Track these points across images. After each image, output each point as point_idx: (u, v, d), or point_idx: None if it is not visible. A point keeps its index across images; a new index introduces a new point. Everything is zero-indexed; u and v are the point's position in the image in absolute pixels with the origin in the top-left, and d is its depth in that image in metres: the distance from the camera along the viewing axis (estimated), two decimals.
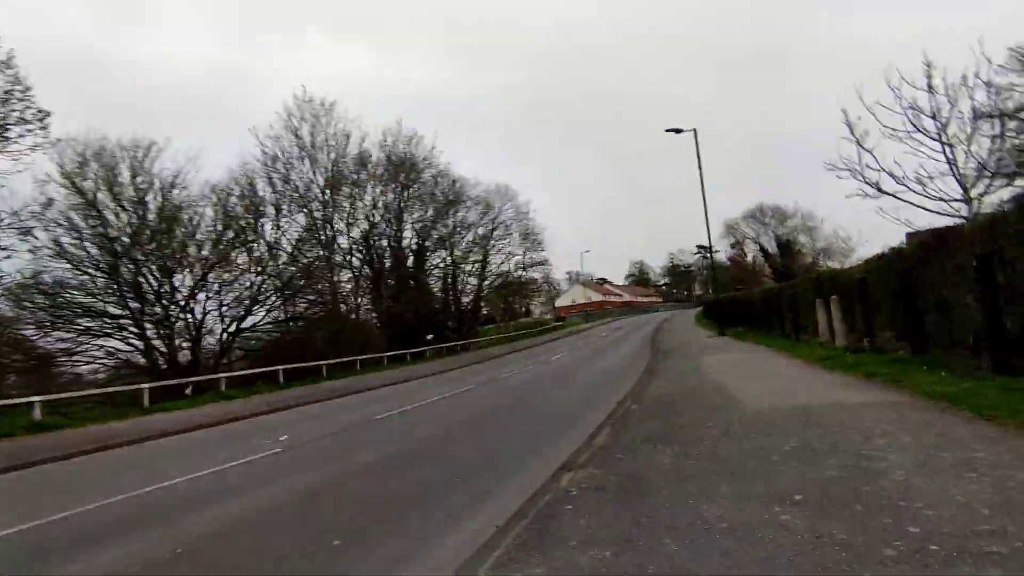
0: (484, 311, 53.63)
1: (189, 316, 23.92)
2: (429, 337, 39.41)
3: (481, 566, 3.07)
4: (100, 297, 22.75)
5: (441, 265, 46.14)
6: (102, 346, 23.23)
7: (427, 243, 43.88)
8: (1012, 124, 33.15)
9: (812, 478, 3.80)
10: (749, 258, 74.33)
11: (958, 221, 12.72)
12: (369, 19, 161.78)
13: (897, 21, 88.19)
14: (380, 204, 37.98)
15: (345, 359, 25.47)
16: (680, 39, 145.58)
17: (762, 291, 27.41)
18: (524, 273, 53.54)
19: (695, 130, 26.66)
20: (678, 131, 27.32)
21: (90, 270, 22.29)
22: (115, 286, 22.57)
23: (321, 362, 23.50)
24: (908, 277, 9.34)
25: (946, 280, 8.27)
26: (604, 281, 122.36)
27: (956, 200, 13.25)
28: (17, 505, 6.45)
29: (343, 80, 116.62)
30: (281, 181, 30.89)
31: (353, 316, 33.20)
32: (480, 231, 46.99)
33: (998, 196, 13.49)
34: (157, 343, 23.62)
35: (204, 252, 24.23)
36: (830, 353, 11.65)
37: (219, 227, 24.63)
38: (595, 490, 4.18)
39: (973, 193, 13.55)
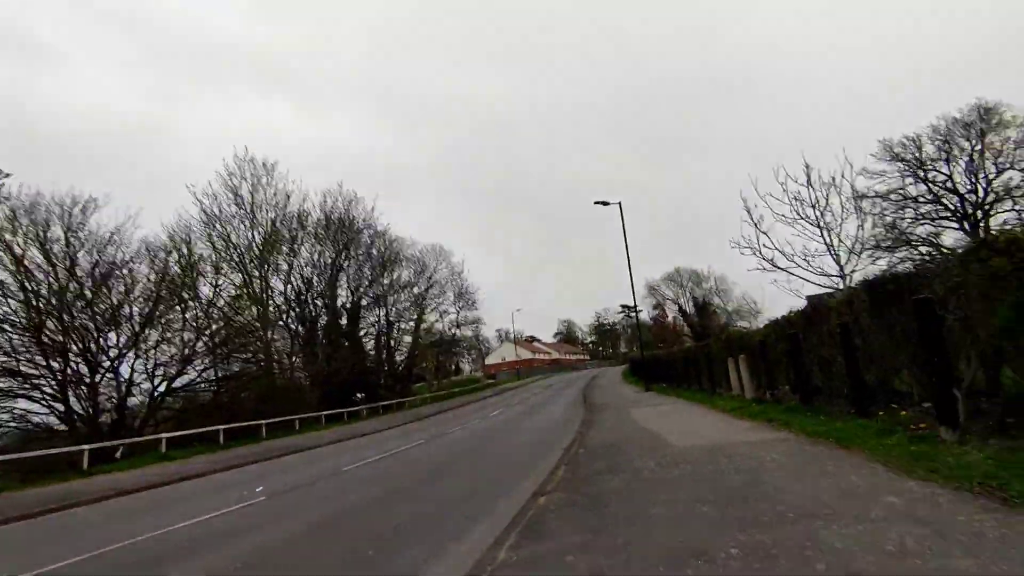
0: (418, 369, 53.85)
1: (115, 376, 23.15)
2: (359, 396, 39.33)
3: (500, 550, 4.36)
4: (13, 356, 21.70)
5: (375, 324, 46.56)
6: (11, 408, 21.98)
7: (362, 302, 44.38)
8: (886, 204, 38.78)
9: (721, 487, 5.40)
10: (670, 318, 79.57)
11: (836, 291, 15.60)
12: (294, 79, 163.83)
13: (784, 123, 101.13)
14: (317, 263, 38.44)
15: (281, 419, 25.31)
16: (600, 117, 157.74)
17: (683, 350, 30.14)
18: (458, 331, 54.77)
19: (620, 203, 29.79)
20: (605, 203, 30.38)
21: (5, 327, 21.36)
22: (35, 344, 21.66)
23: (260, 421, 23.34)
24: (796, 340, 11.61)
25: (822, 343, 10.52)
26: (533, 339, 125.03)
27: (834, 275, 16.17)
28: (14, 557, 6.85)
29: (271, 139, 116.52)
30: (220, 239, 30.92)
31: (287, 375, 32.83)
32: (415, 290, 48.10)
33: (864, 272, 16.61)
34: (76, 405, 22.60)
35: (136, 311, 23.84)
36: (740, 404, 13.72)
37: (153, 287, 24.38)
38: (567, 505, 5.56)
39: (847, 269, 16.61)
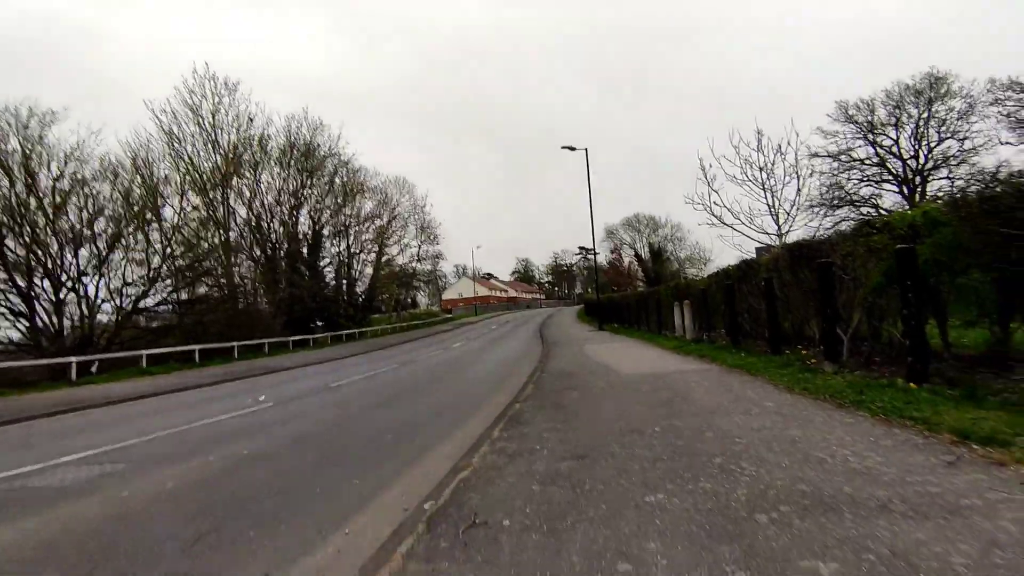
0: (377, 301, 54.98)
1: (80, 295, 23.53)
2: (318, 324, 40.50)
3: (492, 432, 6.02)
4: None
5: (336, 254, 47.05)
6: None
7: (324, 232, 44.63)
8: (835, 163, 41.25)
9: (653, 399, 7.21)
10: (625, 262, 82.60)
11: (773, 248, 17.65)
12: None
13: (754, 72, 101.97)
14: (281, 190, 38.30)
15: (251, 342, 26.39)
16: (564, 54, 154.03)
17: (636, 294, 32.46)
18: (418, 265, 55.81)
19: (586, 149, 30.97)
20: (572, 149, 31.48)
21: None
22: None
23: (231, 343, 24.40)
24: (731, 290, 13.58)
25: (752, 294, 12.49)
26: (490, 276, 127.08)
27: (772, 234, 18.20)
28: (62, 443, 8.09)
29: (226, 51, 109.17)
30: (181, 159, 30.52)
31: (249, 301, 33.50)
32: (377, 223, 48.49)
33: (800, 232, 18.72)
34: (40, 321, 22.99)
35: (100, 230, 23.93)
36: (681, 343, 15.84)
37: (119, 206, 24.38)
38: (538, 408, 7.27)
39: (784, 228, 18.66)
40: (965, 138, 42.25)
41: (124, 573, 3.23)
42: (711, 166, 17.94)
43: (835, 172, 46.16)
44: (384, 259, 50.33)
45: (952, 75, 40.39)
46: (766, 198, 18.10)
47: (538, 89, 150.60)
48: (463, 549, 2.88)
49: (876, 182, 45.70)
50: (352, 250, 47.12)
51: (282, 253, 41.02)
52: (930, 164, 44.65)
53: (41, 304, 22.93)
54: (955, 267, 6.88)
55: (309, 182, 38.86)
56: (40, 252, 22.35)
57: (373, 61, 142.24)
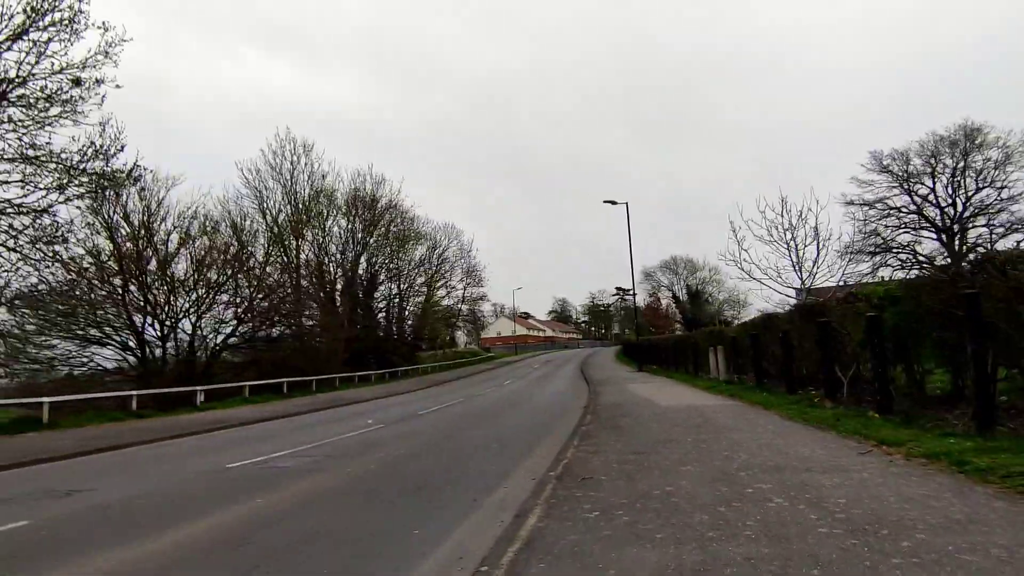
0: (425, 339, 58.25)
1: (186, 331, 27.34)
2: (372, 360, 43.74)
3: (572, 442, 8.66)
4: (101, 311, 25.76)
5: (388, 296, 50.73)
6: (92, 355, 26.21)
7: (379, 275, 48.47)
8: (871, 212, 43.11)
9: (687, 423, 9.72)
10: (663, 303, 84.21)
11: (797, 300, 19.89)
12: (298, 35, 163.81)
13: (790, 117, 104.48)
14: (344, 236, 42.36)
15: (325, 376, 29.66)
16: (606, 96, 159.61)
17: (674, 337, 34.65)
18: (464, 307, 59.10)
19: (627, 203, 33.87)
20: (613, 203, 34.45)
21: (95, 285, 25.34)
22: (120, 304, 25.71)
23: (310, 377, 27.68)
24: (756, 339, 15.96)
25: (772, 343, 14.87)
26: (527, 315, 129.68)
27: (796, 288, 20.50)
28: (259, 446, 10.98)
29: (272, 98, 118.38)
30: (266, 213, 34.81)
31: (316, 339, 37.01)
32: (427, 267, 52.14)
33: (838, 277, 20.95)
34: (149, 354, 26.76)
35: (202, 278, 27.87)
36: (714, 384, 18.13)
37: (220, 257, 28.38)
38: (599, 428, 9.87)
39: (808, 283, 20.92)
40: (1003, 187, 43.46)
41: (377, 502, 5.99)
42: (739, 228, 20.45)
43: (871, 220, 47.70)
44: (432, 300, 53.75)
45: (988, 125, 41.98)
46: (790, 256, 20.47)
47: (572, 130, 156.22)
48: (582, 487, 5.54)
49: (914, 229, 47.02)
50: (403, 292, 50.77)
51: (338, 295, 44.81)
52: (968, 212, 45.83)
53: (147, 340, 26.78)
54: (921, 330, 9.29)
55: (370, 230, 42.78)
56: (152, 296, 26.30)
57: (412, 104, 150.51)
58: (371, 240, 43.98)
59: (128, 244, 25.81)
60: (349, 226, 41.98)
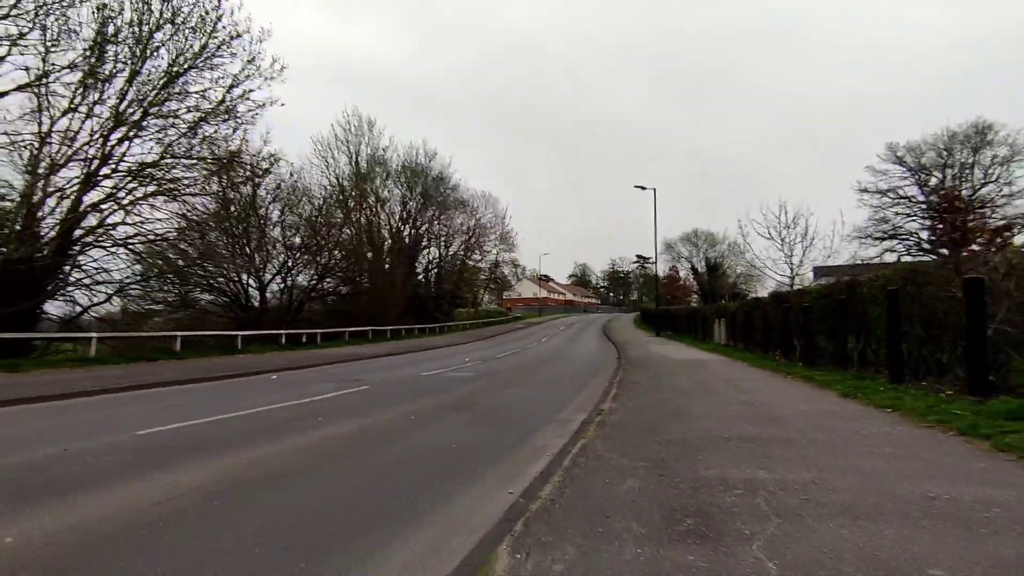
0: (461, 299, 64.37)
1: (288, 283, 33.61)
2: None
3: (616, 378, 14.41)
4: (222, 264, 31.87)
5: (429, 257, 56.56)
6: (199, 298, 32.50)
7: (423, 238, 54.17)
8: (884, 199, 48.48)
9: (690, 369, 15.42)
10: (681, 274, 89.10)
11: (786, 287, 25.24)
12: None
13: (815, 85, 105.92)
14: (397, 202, 47.95)
15: (392, 327, 35.85)
16: (634, 56, 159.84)
17: (687, 309, 40.22)
18: (498, 270, 64.91)
19: (655, 189, 38.87)
20: (643, 188, 39.47)
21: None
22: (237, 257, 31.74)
23: (387, 327, 33.86)
24: (748, 315, 21.45)
25: (757, 318, 20.37)
26: (547, 278, 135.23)
27: (787, 276, 25.85)
28: (415, 368, 16.87)
29: (292, 39, 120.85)
30: (337, 181, 40.52)
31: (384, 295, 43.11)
32: (466, 233, 57.73)
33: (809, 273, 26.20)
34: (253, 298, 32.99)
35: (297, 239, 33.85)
36: (716, 347, 23.77)
37: (312, 225, 34.27)
38: (634, 368, 15.60)
39: (800, 271, 26.22)
40: (1008, 183, 47.81)
41: (518, 386, 11.79)
42: (745, 226, 25.73)
43: (883, 207, 52.23)
44: (468, 263, 59.51)
45: (1000, 123, 46.03)
46: (783, 251, 25.74)
47: (599, 90, 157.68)
48: (631, 387, 11.25)
49: (922, 218, 51.50)
50: (443, 255, 56.56)
51: (386, 255, 50.68)
52: (976, 204, 50.24)
53: (247, 291, 32.96)
54: (831, 315, 14.71)
55: (420, 199, 48.30)
56: (259, 255, 32.32)
57: (435, 57, 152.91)
58: (418, 205, 49.54)
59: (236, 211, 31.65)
60: (401, 194, 47.52)
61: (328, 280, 37.52)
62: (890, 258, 48.63)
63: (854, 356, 12.29)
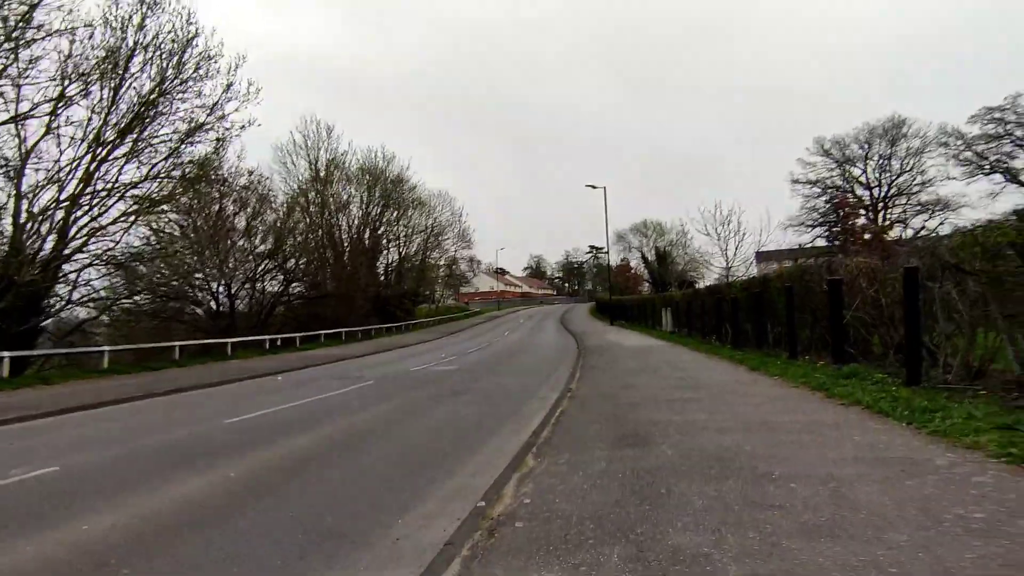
0: (421, 297, 66.26)
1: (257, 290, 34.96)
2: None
3: (579, 362, 17.20)
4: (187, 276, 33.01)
5: (390, 259, 58.27)
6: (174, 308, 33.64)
7: (383, 238, 55.82)
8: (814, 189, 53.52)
9: (639, 353, 18.38)
10: (633, 263, 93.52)
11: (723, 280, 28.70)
12: None
13: (763, 79, 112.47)
14: (357, 205, 49.49)
15: (359, 328, 37.72)
16: (580, 49, 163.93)
17: (639, 298, 43.71)
18: (455, 267, 67.12)
19: (605, 188, 42.03)
20: (594, 187, 42.56)
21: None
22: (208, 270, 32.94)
23: (368, 327, 35.74)
24: (689, 303, 24.68)
25: (697, 307, 23.61)
26: (503, 271, 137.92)
27: (722, 268, 29.34)
28: (400, 364, 19.14)
29: (234, 31, 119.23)
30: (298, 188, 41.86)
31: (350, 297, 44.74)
32: (424, 232, 59.65)
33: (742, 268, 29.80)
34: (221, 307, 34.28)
35: (264, 246, 35.23)
36: (663, 334, 26.99)
37: (274, 231, 35.68)
38: (593, 355, 18.44)
39: (735, 264, 29.75)
40: (921, 171, 53.48)
41: (495, 375, 14.40)
42: (686, 224, 29.06)
43: (813, 196, 57.40)
44: (427, 261, 61.48)
45: (913, 118, 51.48)
46: (720, 247, 29.22)
47: (550, 84, 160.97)
48: (591, 369, 14.01)
49: (849, 206, 56.72)
50: (403, 255, 58.37)
51: (347, 256, 52.19)
52: (892, 193, 55.85)
53: (219, 299, 34.26)
54: (749, 305, 17.95)
55: (380, 201, 49.99)
56: (227, 264, 33.60)
57: (387, 50, 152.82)
58: (377, 209, 51.20)
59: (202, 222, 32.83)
60: (361, 197, 49.09)
61: (295, 284, 39.14)
62: (822, 243, 53.75)
63: (769, 338, 15.43)
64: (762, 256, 65.50)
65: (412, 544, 3.78)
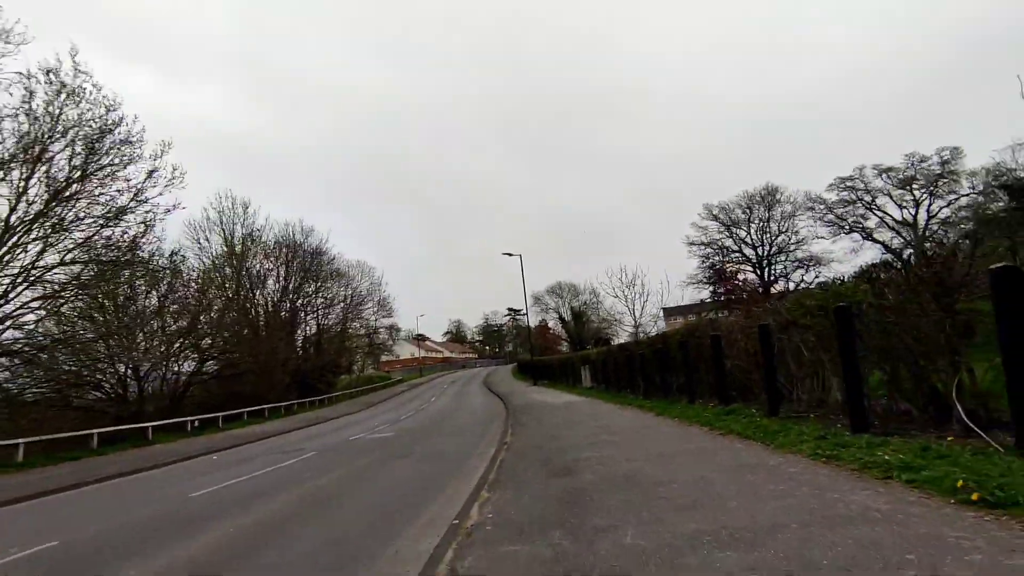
0: (341, 368, 65.26)
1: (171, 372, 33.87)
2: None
3: (508, 423, 18.68)
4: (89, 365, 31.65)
5: (307, 328, 57.66)
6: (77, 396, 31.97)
7: (301, 311, 55.41)
8: (708, 249, 58.84)
9: (565, 408, 20.16)
10: (550, 324, 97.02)
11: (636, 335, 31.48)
12: (157, 44, 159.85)
13: (661, 147, 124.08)
14: (272, 276, 49.29)
15: (275, 405, 37.11)
16: (488, 121, 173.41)
17: (559, 357, 46.02)
18: (376, 336, 67.11)
19: (520, 255, 44.84)
20: (510, 255, 45.30)
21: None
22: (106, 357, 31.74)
23: (263, 406, 35.19)
24: (604, 361, 26.99)
25: (610, 363, 25.94)
26: (424, 337, 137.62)
27: (632, 328, 32.23)
28: (324, 439, 19.63)
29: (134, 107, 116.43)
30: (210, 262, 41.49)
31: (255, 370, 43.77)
32: (343, 303, 59.81)
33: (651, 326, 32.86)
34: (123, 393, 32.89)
35: (179, 323, 34.45)
36: (584, 390, 29.05)
37: (189, 308, 35.11)
38: (520, 415, 19.98)
39: (642, 321, 32.73)
40: (795, 232, 60.53)
41: (433, 437, 15.61)
42: (596, 288, 31.86)
43: (708, 256, 63.44)
44: (346, 331, 61.24)
45: (784, 187, 58.88)
46: (628, 308, 32.19)
47: (461, 154, 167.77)
48: (520, 427, 15.53)
49: (739, 263, 63.10)
50: (322, 326, 57.98)
51: (261, 325, 51.32)
52: (773, 251, 62.64)
53: (124, 382, 32.93)
54: (656, 360, 20.41)
55: (300, 273, 50.09)
56: (135, 347, 32.52)
57: (293, 124, 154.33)
58: (295, 282, 51.18)
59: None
60: (277, 270, 49.04)
61: (209, 363, 38.12)
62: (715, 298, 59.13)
63: (672, 387, 17.73)
64: (668, 312, 70.78)
65: (410, 552, 5.16)
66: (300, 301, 53.21)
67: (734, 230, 63.35)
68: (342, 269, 58.11)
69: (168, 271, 32.32)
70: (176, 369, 34.83)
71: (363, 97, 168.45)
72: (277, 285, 50.26)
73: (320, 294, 54.79)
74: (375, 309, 64.10)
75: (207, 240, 42.55)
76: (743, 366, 13.26)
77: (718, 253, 63.26)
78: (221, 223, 43.15)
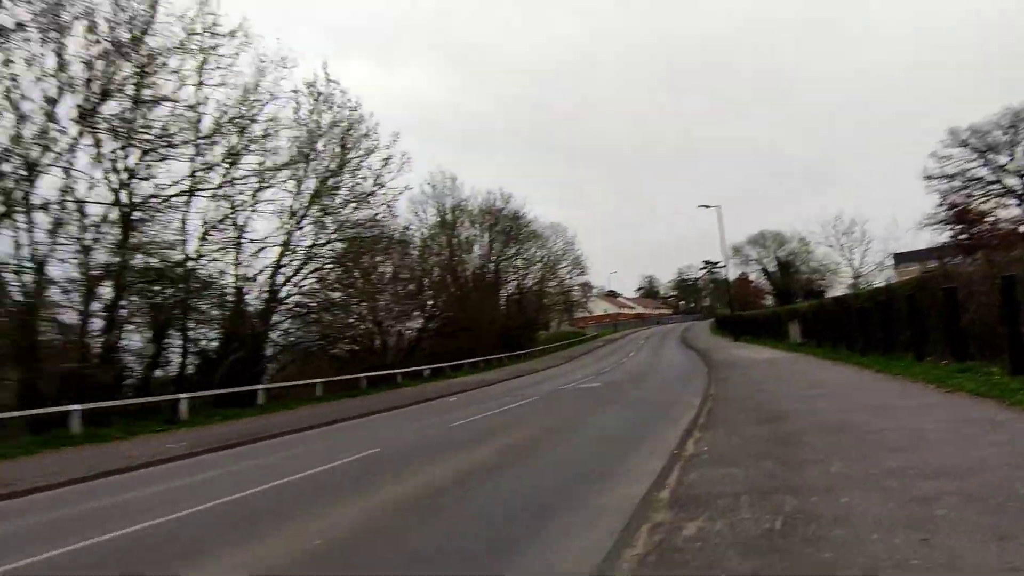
0: (540, 324, 69.82)
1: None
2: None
3: (712, 381, 19.14)
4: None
5: (510, 290, 62.41)
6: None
7: (502, 273, 60.14)
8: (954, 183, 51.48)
9: (767, 366, 19.92)
10: (752, 276, 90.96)
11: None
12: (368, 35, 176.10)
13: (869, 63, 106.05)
14: (475, 242, 54.28)
15: (494, 356, 41.54)
16: (678, 67, 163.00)
17: (763, 313, 43.87)
18: (570, 294, 70.13)
19: (719, 207, 43.10)
20: (707, 207, 43.80)
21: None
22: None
23: (497, 355, 39.56)
24: (816, 315, 25.48)
25: (823, 317, 24.43)
26: (615, 294, 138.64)
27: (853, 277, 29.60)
28: (544, 385, 22.13)
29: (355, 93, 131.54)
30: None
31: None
32: (542, 262, 63.36)
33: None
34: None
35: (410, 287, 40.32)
36: (791, 346, 27.81)
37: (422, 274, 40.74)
38: (723, 368, 20.25)
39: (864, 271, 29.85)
40: None
41: (645, 386, 16.77)
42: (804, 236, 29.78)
43: (952, 191, 54.16)
44: (544, 290, 64.99)
45: None
46: (844, 256, 29.55)
47: (649, 105, 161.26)
48: (723, 380, 16.03)
49: (997, 196, 53.00)
50: (522, 286, 62.32)
51: (473, 292, 56.82)
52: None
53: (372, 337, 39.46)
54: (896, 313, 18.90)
55: (502, 237, 54.42)
56: (379, 307, 38.87)
57: (479, 91, 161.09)
58: (500, 245, 55.64)
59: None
60: (480, 235, 53.92)
61: (431, 321, 43.96)
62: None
63: (897, 343, 16.53)
64: (900, 258, 61.79)
65: (641, 470, 6.50)
66: (502, 263, 57.78)
67: (990, 156, 52.77)
68: (538, 231, 61.47)
69: (400, 244, 37.87)
70: (408, 326, 40.95)
71: (547, 56, 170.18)
72: (482, 249, 55.24)
73: (519, 256, 58.74)
74: (569, 268, 66.80)
75: (424, 212, 48.40)
76: (984, 320, 12.10)
77: (966, 186, 53.34)
78: (435, 196, 48.62)
